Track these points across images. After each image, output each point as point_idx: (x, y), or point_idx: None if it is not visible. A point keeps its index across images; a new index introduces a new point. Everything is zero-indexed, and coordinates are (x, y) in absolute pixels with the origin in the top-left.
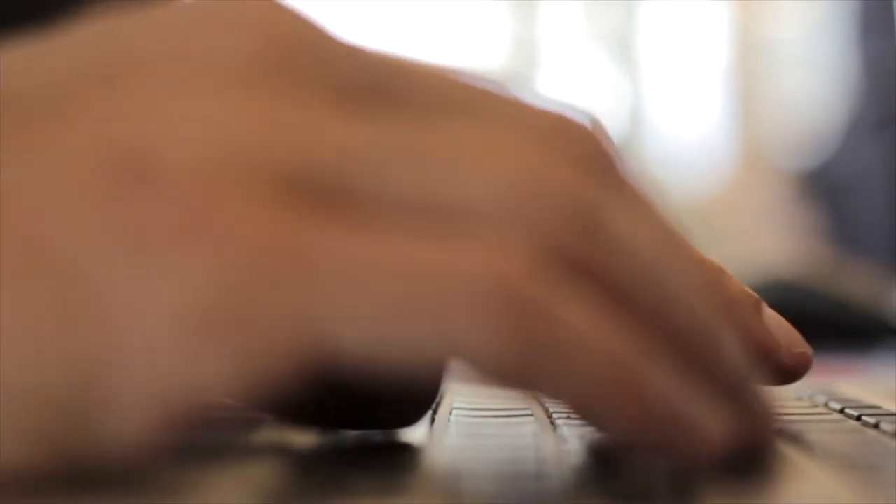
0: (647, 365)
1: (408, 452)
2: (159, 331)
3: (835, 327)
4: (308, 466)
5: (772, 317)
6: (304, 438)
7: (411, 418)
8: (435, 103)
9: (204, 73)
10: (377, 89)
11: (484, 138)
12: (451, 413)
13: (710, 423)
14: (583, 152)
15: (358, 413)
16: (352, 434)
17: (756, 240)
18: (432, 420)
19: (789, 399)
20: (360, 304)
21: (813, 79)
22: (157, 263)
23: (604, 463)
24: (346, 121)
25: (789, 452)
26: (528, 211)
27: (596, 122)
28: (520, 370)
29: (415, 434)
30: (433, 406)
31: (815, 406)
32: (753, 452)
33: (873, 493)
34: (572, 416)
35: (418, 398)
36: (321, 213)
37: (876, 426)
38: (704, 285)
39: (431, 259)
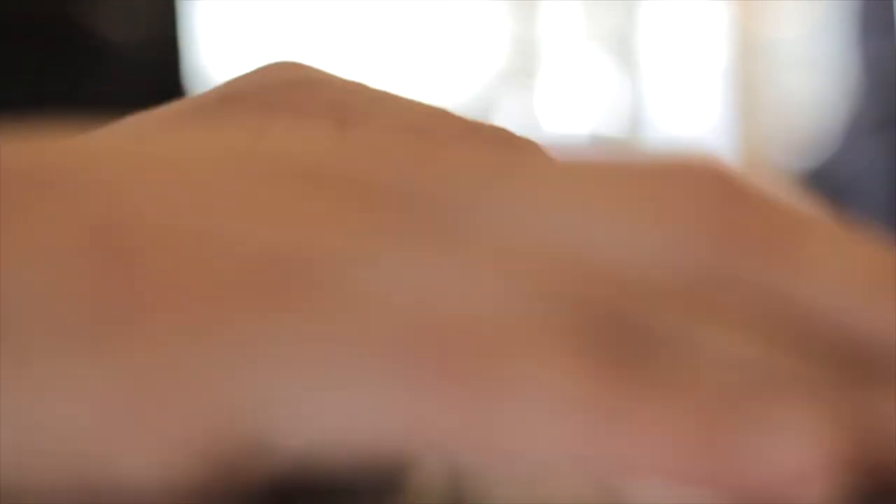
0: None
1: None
2: (82, 408)
3: None
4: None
5: None
6: None
7: None
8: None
9: (227, 184)
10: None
11: None
12: None
13: (780, 443)
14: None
15: None
16: None
17: None
18: None
19: None
20: (289, 391)
21: (813, 79)
22: (94, 343)
23: None
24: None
25: None
26: None
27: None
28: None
29: None
30: None
31: None
32: None
33: None
34: None
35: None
36: (276, 305)
37: None
38: None
39: (357, 324)
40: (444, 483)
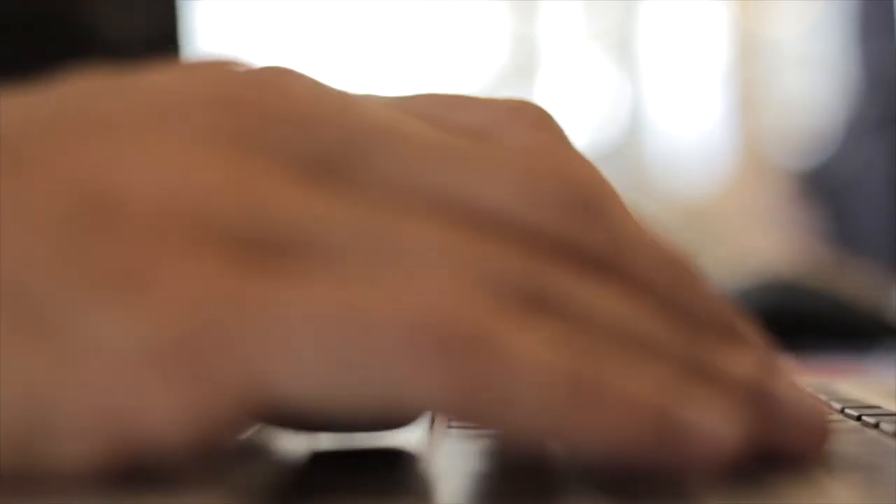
0: (613, 371)
1: (407, 455)
2: (109, 366)
3: (835, 327)
4: (306, 468)
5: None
6: (302, 441)
7: (399, 423)
8: (389, 184)
9: (173, 135)
10: (336, 162)
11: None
12: None
13: (710, 423)
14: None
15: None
16: (351, 437)
17: (756, 240)
18: (432, 422)
19: None
20: (299, 352)
21: (813, 79)
22: (112, 303)
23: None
24: (301, 191)
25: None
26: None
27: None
28: (469, 409)
29: (414, 437)
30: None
31: None
32: (785, 460)
33: (873, 493)
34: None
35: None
36: (267, 267)
37: (876, 426)
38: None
39: (370, 305)
40: (443, 485)
